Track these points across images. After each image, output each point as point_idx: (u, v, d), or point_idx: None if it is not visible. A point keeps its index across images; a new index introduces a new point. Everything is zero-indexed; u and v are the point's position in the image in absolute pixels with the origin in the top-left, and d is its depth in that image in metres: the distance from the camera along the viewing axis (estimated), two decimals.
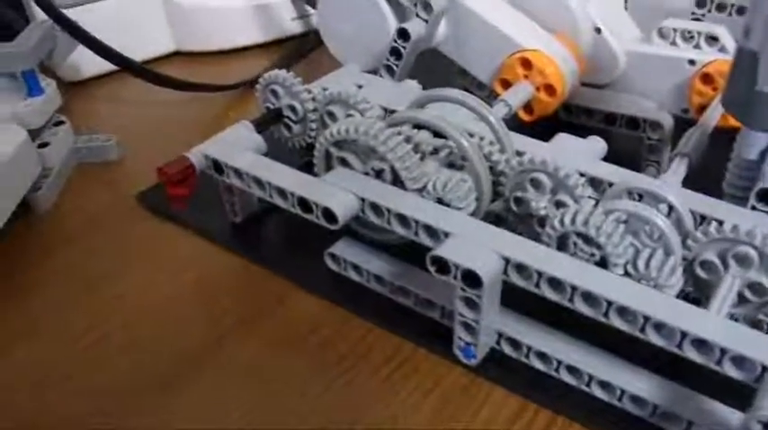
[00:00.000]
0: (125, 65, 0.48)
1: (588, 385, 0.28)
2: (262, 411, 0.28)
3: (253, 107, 0.42)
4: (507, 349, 0.29)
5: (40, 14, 0.47)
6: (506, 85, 0.40)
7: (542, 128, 0.38)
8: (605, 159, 0.34)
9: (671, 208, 0.28)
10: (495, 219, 0.32)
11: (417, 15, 0.40)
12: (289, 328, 0.32)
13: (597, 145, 0.34)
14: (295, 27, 0.59)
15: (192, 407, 0.29)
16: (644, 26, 0.44)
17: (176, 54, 0.58)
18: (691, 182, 0.32)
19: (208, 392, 0.29)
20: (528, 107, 0.40)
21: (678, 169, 0.33)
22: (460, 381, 0.29)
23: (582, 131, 0.36)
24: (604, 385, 0.27)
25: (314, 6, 0.44)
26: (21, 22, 0.51)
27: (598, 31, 0.41)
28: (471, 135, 0.32)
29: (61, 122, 0.43)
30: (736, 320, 0.27)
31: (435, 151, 0.33)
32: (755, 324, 0.27)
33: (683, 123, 0.39)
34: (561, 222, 0.27)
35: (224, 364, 0.30)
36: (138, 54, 0.53)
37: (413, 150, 0.31)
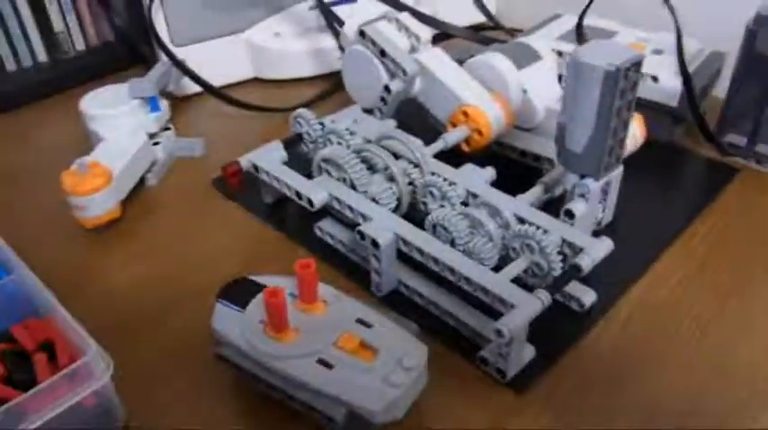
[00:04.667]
0: (210, 90, 0.71)
1: (443, 314, 0.48)
2: None
3: None
4: (403, 290, 0.50)
5: None
6: (454, 125, 0.59)
7: (482, 156, 0.57)
8: (500, 180, 0.53)
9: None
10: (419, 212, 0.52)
11: (399, 76, 0.60)
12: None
13: (488, 172, 0.53)
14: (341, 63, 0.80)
15: None
16: None
17: (255, 80, 0.81)
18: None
19: None
20: (467, 142, 0.59)
21: (534, 191, 0.51)
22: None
23: (507, 161, 0.56)
24: (449, 314, 0.47)
25: None
26: (151, 55, 0.75)
27: (525, 92, 0.60)
28: (412, 161, 0.52)
29: (168, 128, 0.66)
30: (531, 286, 0.46)
31: (386, 168, 0.53)
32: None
33: None
34: (432, 217, 0.47)
35: None
36: (226, 79, 0.76)
37: (369, 168, 0.52)
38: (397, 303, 0.49)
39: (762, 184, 0.62)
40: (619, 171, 0.50)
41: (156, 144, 0.64)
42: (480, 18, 0.89)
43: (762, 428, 0.41)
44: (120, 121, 0.62)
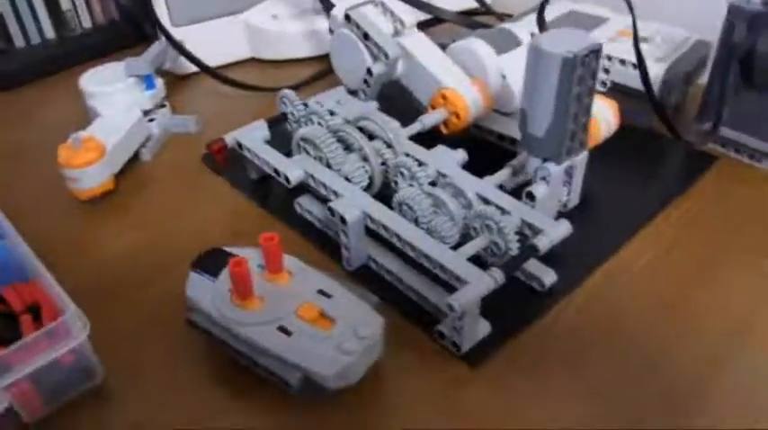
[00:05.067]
0: (205, 70, 0.74)
1: (407, 289, 0.50)
2: None
3: None
4: (372, 265, 0.52)
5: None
6: (434, 108, 0.61)
7: (461, 139, 0.59)
8: (472, 162, 0.55)
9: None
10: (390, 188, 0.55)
11: (381, 59, 0.62)
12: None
13: (459, 154, 0.55)
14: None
15: None
16: None
17: (252, 60, 0.83)
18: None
19: None
20: (446, 125, 0.61)
21: (501, 173, 0.53)
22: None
23: (485, 144, 0.58)
24: (413, 289, 0.49)
25: None
26: (154, 34, 0.77)
27: (504, 77, 0.62)
28: (386, 142, 0.54)
29: (163, 106, 0.69)
30: (491, 265, 0.48)
31: (361, 148, 0.55)
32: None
33: None
34: (399, 196, 0.49)
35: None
36: (224, 58, 0.79)
37: (345, 147, 0.54)
38: (366, 277, 0.52)
39: (738, 173, 0.64)
40: (583, 155, 0.52)
41: (151, 120, 0.67)
42: (474, 3, 0.91)
43: (762, 428, 0.42)
44: (116, 98, 0.65)
